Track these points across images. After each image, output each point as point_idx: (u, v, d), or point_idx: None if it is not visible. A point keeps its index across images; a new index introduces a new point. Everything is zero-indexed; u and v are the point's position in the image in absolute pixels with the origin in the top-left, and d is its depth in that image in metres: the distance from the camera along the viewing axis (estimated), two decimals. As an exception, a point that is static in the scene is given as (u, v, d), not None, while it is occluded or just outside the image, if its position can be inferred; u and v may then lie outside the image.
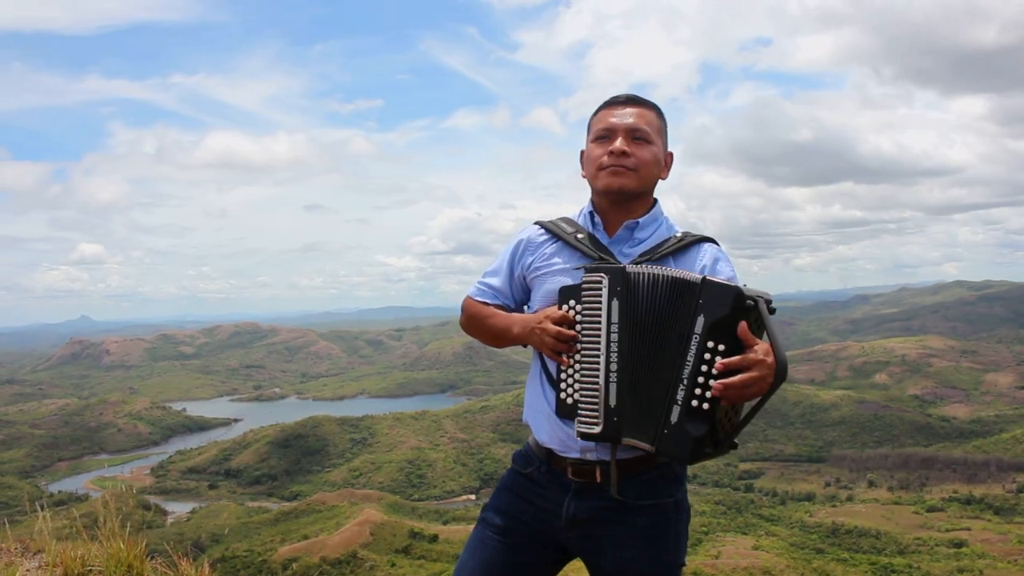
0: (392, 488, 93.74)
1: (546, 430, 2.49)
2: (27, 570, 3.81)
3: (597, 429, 2.26)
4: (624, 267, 2.27)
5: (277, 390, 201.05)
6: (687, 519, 2.54)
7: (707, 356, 2.08)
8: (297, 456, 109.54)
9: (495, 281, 2.69)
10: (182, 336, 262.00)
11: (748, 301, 2.09)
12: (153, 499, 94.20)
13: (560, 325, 2.32)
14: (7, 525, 4.44)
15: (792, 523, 73.59)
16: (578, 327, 2.31)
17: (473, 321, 2.70)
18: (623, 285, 2.23)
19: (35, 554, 4.18)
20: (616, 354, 2.24)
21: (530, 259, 2.62)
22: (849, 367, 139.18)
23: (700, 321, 2.10)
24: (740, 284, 2.17)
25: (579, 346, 2.30)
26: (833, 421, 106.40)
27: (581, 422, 2.29)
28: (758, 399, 2.13)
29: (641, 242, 2.50)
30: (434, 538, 63.99)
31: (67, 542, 4.02)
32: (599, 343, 2.25)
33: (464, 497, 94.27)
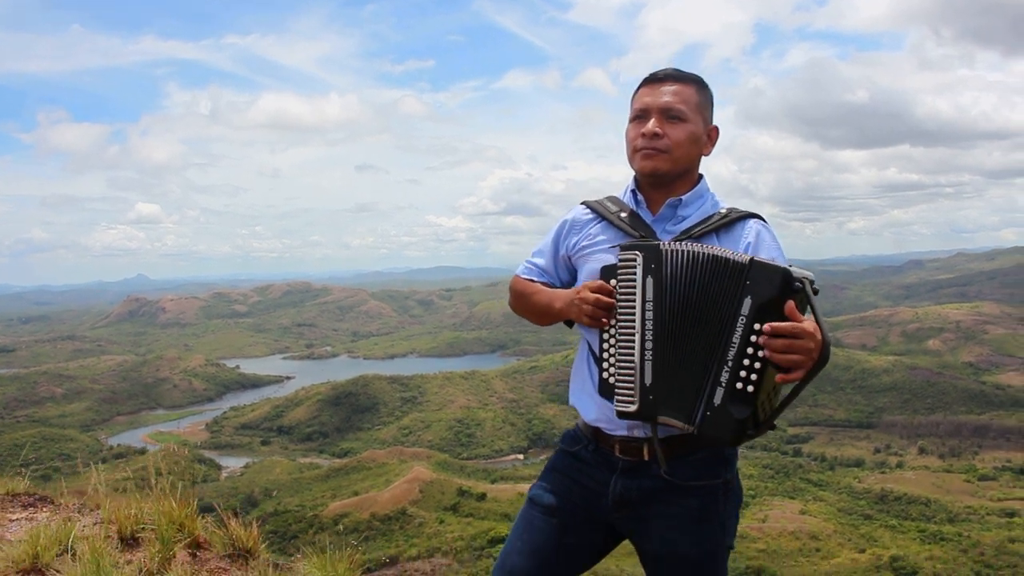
0: (441, 447, 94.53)
1: (593, 409, 2.49)
2: (83, 526, 3.89)
3: (633, 408, 2.26)
4: (659, 245, 2.25)
5: (328, 348, 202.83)
6: (737, 501, 2.52)
7: (753, 338, 2.08)
8: (348, 413, 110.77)
9: (541, 260, 2.71)
10: (236, 295, 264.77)
11: (796, 283, 2.07)
12: (208, 454, 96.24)
13: (599, 293, 2.33)
14: (63, 480, 4.68)
15: (840, 489, 73.15)
16: (615, 305, 2.30)
17: (519, 298, 2.73)
18: (657, 263, 2.22)
19: (92, 511, 4.34)
20: (651, 332, 2.23)
21: (575, 239, 2.62)
22: (902, 333, 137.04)
23: (747, 303, 2.09)
24: (786, 264, 2.17)
25: (615, 324, 2.30)
26: (884, 387, 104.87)
27: (618, 400, 2.29)
28: (798, 381, 2.10)
29: (684, 219, 2.47)
30: (482, 496, 64.62)
31: (122, 499, 4.13)
32: (634, 321, 2.25)
33: (512, 456, 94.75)
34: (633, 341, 2.26)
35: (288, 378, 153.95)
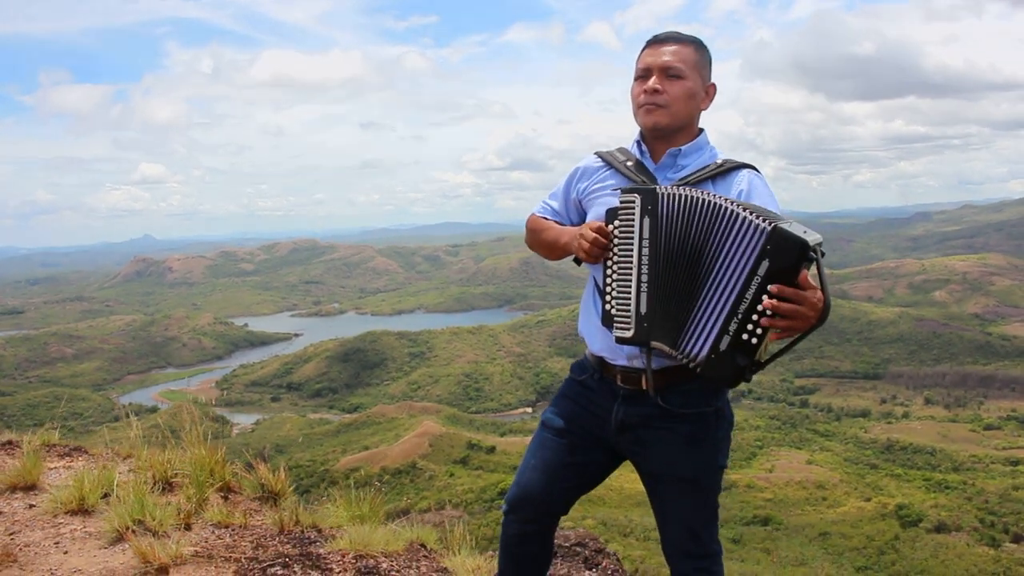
0: (450, 401, 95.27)
1: (598, 339, 2.74)
2: (120, 473, 4.16)
3: (629, 333, 2.51)
4: (655, 188, 2.49)
5: (336, 305, 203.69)
6: (728, 426, 2.76)
7: (764, 298, 2.25)
8: (357, 369, 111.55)
9: (555, 203, 2.98)
10: (242, 253, 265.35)
11: (811, 253, 2.22)
12: (219, 411, 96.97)
13: (597, 233, 2.56)
14: (79, 436, 4.92)
15: (847, 439, 73.74)
16: (615, 242, 2.53)
17: (533, 235, 3.01)
18: (653, 204, 2.45)
19: (125, 459, 4.61)
20: (647, 266, 2.46)
21: (585, 184, 2.87)
22: (908, 284, 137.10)
23: (765, 265, 2.25)
24: (779, 213, 2.41)
25: (615, 259, 2.54)
26: (890, 338, 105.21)
27: (616, 327, 2.54)
28: (794, 337, 2.32)
29: (683, 168, 2.69)
30: (491, 449, 65.26)
31: (153, 448, 4.43)
32: (631, 256, 2.49)
33: (521, 410, 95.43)
34: (631, 274, 2.50)
35: (296, 335, 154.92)
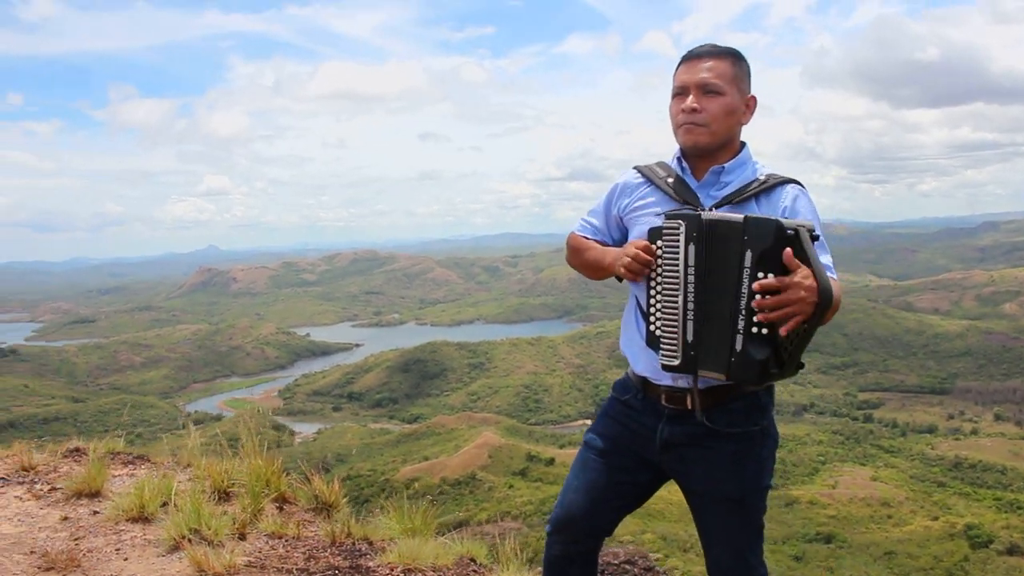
0: (509, 412, 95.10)
1: (641, 360, 2.72)
2: (179, 482, 4.23)
3: (676, 362, 2.49)
4: (700, 215, 2.44)
5: (396, 315, 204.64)
6: (774, 445, 2.72)
7: (757, 286, 2.27)
8: (417, 380, 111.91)
9: (595, 220, 2.93)
10: (304, 264, 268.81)
11: (788, 231, 2.24)
12: (281, 420, 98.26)
13: (641, 251, 2.55)
14: (147, 444, 5.01)
15: (912, 455, 72.09)
16: (660, 266, 2.52)
17: (574, 253, 2.96)
18: (699, 231, 2.41)
19: (185, 468, 4.71)
20: (692, 294, 2.45)
21: (626, 201, 2.83)
22: (976, 296, 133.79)
23: (748, 255, 2.28)
24: (818, 224, 2.40)
25: (660, 285, 2.53)
26: (958, 352, 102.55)
27: (663, 355, 2.52)
28: (808, 321, 2.25)
29: (727, 185, 2.65)
30: (550, 461, 64.87)
31: (213, 458, 4.53)
32: (678, 283, 2.46)
33: (580, 422, 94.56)
34: (677, 301, 2.48)
35: (357, 345, 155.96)
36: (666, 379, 2.64)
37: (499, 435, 72.71)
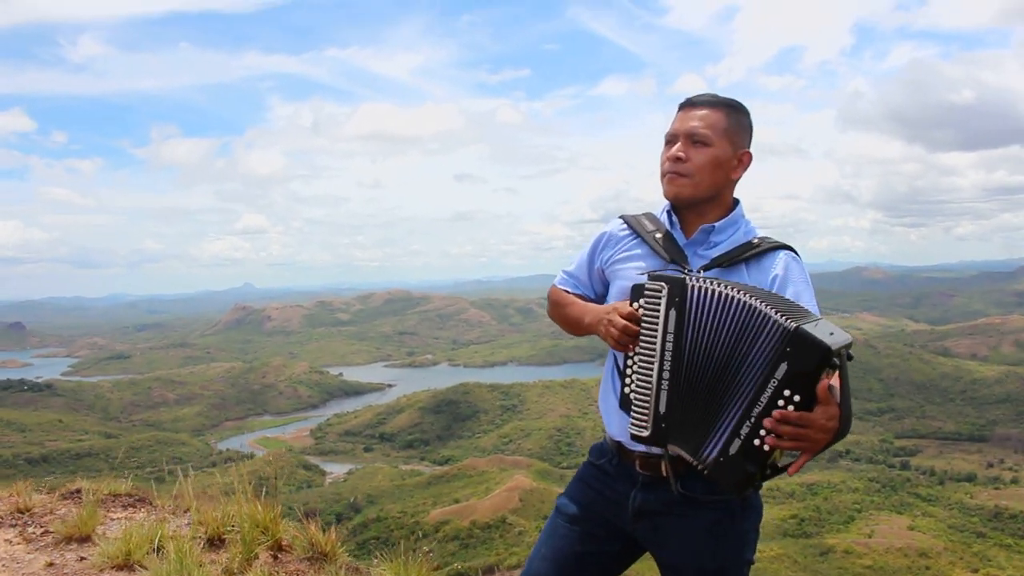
0: (541, 455, 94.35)
1: (615, 422, 2.54)
2: (176, 527, 4.11)
3: (645, 433, 2.32)
4: (684, 279, 2.28)
5: (429, 356, 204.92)
6: (756, 517, 2.52)
7: (780, 403, 2.10)
8: (448, 421, 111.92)
9: (577, 272, 2.78)
10: (338, 303, 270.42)
11: (834, 360, 2.07)
12: (312, 459, 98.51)
13: (628, 320, 2.36)
14: (167, 482, 4.90)
15: (951, 504, 70.57)
16: (641, 327, 2.34)
17: (554, 308, 2.80)
18: (681, 296, 2.25)
19: (185, 512, 4.55)
20: (669, 363, 2.27)
21: (609, 253, 2.67)
22: (1015, 341, 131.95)
23: (783, 368, 2.09)
24: (813, 327, 2.13)
25: (639, 347, 2.34)
26: (997, 398, 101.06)
27: (632, 424, 2.35)
28: (810, 453, 2.11)
29: (716, 245, 2.49)
30: (581, 506, 64.32)
31: (212, 502, 4.37)
32: (655, 348, 2.29)
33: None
34: (652, 368, 2.30)
35: (390, 385, 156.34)
36: (640, 444, 2.43)
37: (531, 478, 72.26)
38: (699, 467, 2.27)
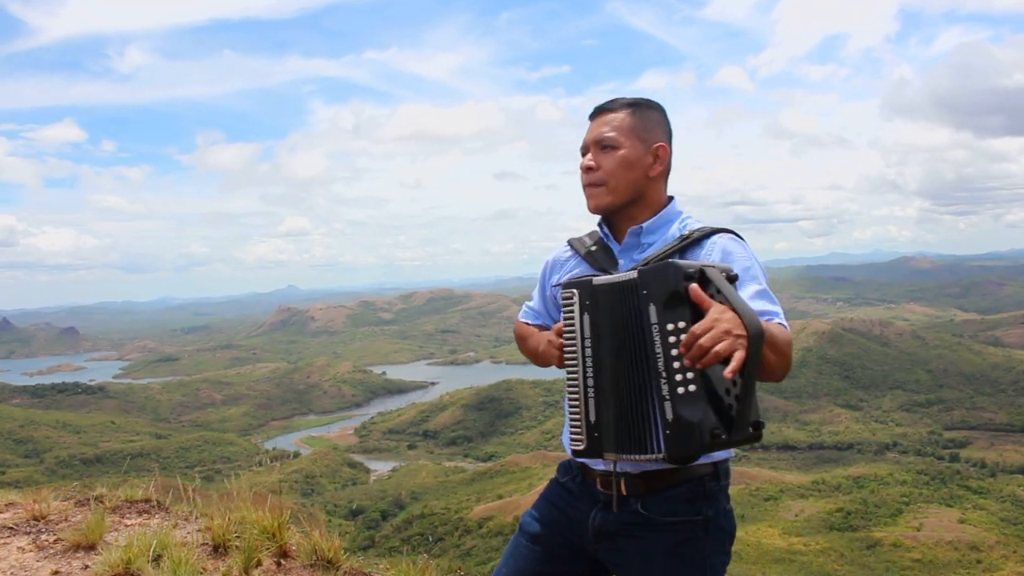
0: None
1: (568, 440, 2.45)
2: (185, 534, 4.13)
3: (582, 446, 2.25)
4: (591, 280, 2.23)
5: (472, 354, 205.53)
6: (723, 538, 2.38)
7: (672, 339, 1.97)
8: (491, 418, 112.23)
9: (535, 304, 2.75)
10: (381, 303, 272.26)
11: (689, 271, 1.98)
12: (357, 457, 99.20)
13: (559, 336, 2.31)
14: (180, 488, 4.92)
15: (1003, 496, 69.12)
16: (563, 338, 2.28)
17: (520, 342, 2.76)
18: (592, 298, 2.20)
19: (198, 518, 4.55)
20: (591, 368, 2.20)
21: (556, 277, 2.62)
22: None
23: (652, 309, 2.01)
24: (758, 267, 2.18)
25: (565, 359, 2.28)
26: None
27: (571, 439, 2.30)
28: (746, 363, 1.89)
29: (649, 246, 2.40)
30: (625, 501, 64.13)
31: (223, 507, 4.32)
32: (576, 358, 2.23)
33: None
34: (577, 379, 2.25)
35: (433, 383, 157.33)
36: (599, 463, 2.37)
37: (573, 474, 71.95)
38: (662, 457, 2.10)
